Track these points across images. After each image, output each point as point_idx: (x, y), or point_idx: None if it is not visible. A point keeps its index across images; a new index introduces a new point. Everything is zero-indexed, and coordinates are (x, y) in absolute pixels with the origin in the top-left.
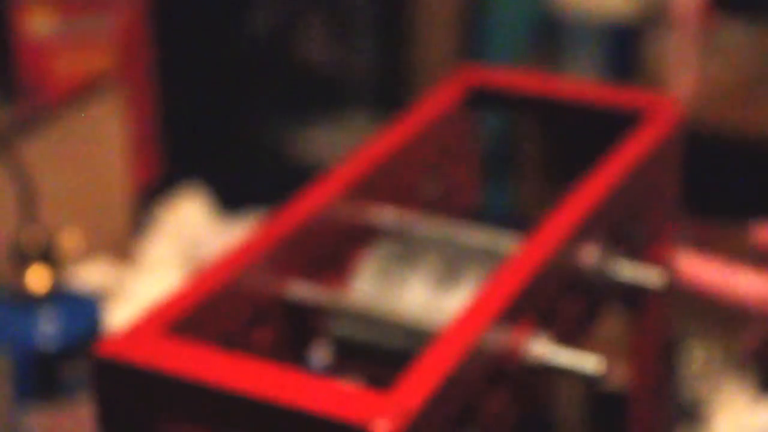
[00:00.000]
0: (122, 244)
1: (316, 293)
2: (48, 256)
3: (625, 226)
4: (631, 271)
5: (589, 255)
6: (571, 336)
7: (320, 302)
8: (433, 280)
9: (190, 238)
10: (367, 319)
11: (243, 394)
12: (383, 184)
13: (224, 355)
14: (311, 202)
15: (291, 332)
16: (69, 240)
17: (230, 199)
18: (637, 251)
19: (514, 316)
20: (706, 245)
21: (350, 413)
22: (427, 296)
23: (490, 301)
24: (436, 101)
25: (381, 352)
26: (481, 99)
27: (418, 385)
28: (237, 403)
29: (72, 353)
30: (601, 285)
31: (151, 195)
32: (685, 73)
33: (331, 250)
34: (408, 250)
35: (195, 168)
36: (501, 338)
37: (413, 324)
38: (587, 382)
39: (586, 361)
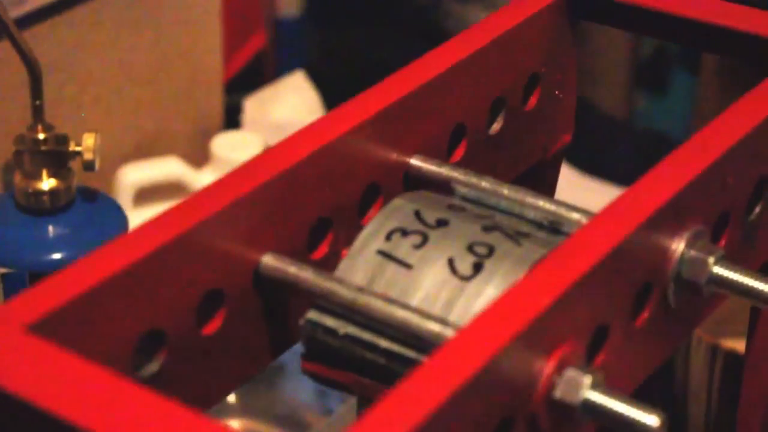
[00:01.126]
0: (207, 134)
1: (294, 272)
2: (63, 159)
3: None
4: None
5: (676, 246)
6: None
7: (299, 285)
8: (460, 263)
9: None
10: (355, 312)
11: None
12: (425, 116)
13: (92, 370)
14: (311, 137)
15: (256, 327)
16: (88, 141)
17: (343, 90)
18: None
19: (543, 336)
20: None
21: None
22: (445, 287)
23: (518, 308)
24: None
25: (368, 364)
26: (586, 7)
27: None
28: None
29: None
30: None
31: (246, 79)
32: None
33: (332, 209)
34: (435, 217)
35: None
36: (524, 366)
37: (414, 327)
38: None
39: (642, 414)
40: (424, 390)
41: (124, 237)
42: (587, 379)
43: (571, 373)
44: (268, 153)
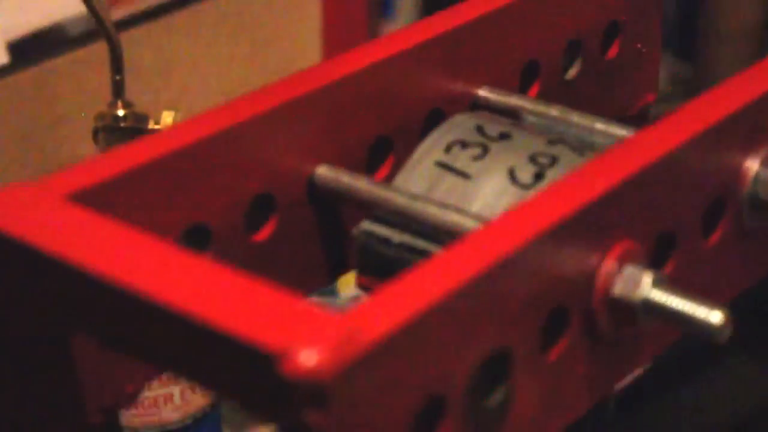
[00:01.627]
0: None
1: (348, 181)
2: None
3: None
4: None
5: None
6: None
7: (353, 195)
8: (520, 172)
9: None
10: (409, 219)
11: (125, 290)
12: (495, 44)
13: (133, 235)
14: (374, 50)
15: (309, 242)
16: (167, 119)
17: None
18: None
19: (596, 228)
20: None
21: (265, 334)
22: (504, 195)
23: (565, 197)
24: None
25: None
26: None
27: (398, 302)
28: (117, 302)
29: None
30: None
31: None
32: None
33: (393, 128)
34: (498, 130)
35: None
36: (575, 256)
37: (470, 232)
38: (702, 334)
39: (706, 310)
40: (459, 263)
41: (169, 128)
42: (648, 277)
43: (630, 269)
44: (329, 62)
